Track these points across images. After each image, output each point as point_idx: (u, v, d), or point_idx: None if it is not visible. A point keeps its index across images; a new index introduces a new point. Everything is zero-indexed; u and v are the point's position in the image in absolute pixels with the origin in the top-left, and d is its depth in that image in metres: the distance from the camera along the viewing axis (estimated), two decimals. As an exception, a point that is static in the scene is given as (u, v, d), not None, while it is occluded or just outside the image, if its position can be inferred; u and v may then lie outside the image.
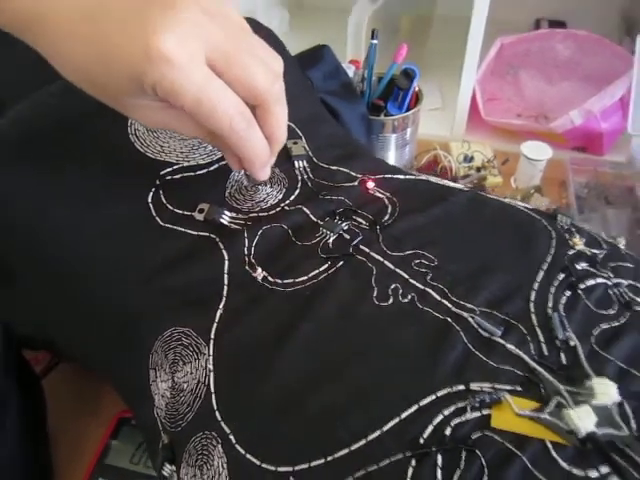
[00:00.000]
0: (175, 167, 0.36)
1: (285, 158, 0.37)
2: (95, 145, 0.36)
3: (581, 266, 0.29)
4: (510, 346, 0.25)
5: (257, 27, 0.47)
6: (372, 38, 0.64)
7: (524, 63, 0.83)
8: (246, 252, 0.31)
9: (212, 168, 0.36)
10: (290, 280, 0.30)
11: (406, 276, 0.29)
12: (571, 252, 0.30)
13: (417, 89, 0.66)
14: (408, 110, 0.64)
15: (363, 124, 0.60)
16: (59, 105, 0.37)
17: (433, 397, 0.24)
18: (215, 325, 0.29)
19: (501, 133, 0.78)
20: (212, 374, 0.27)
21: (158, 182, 0.35)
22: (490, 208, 0.33)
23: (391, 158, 0.68)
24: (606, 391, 0.22)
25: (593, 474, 0.21)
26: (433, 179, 0.36)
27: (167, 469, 0.28)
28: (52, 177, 0.34)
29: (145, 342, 0.31)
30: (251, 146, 0.28)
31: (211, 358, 0.28)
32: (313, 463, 0.23)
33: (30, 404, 0.44)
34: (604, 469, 0.21)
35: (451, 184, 0.36)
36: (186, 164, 0.36)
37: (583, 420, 0.21)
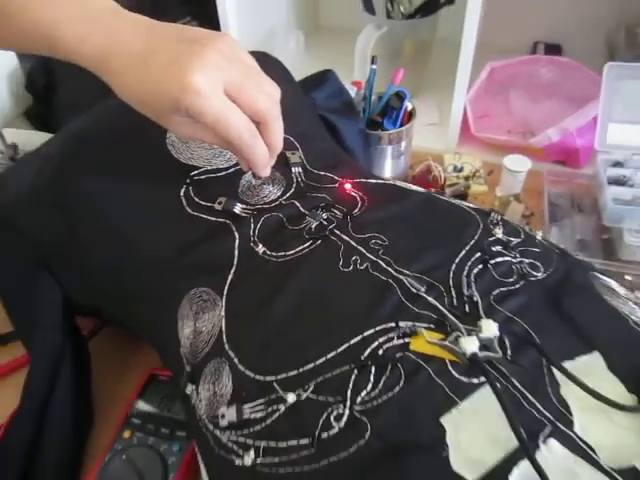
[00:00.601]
0: (201, 170, 0.47)
1: (284, 164, 0.48)
2: (142, 151, 0.47)
3: (495, 248, 0.39)
4: (430, 299, 0.36)
5: (267, 59, 0.58)
6: (372, 64, 0.74)
7: (513, 85, 0.92)
8: (251, 233, 0.42)
9: (229, 171, 0.48)
10: (282, 253, 0.40)
11: (364, 251, 0.39)
12: (491, 239, 0.40)
13: (411, 107, 0.76)
14: (402, 126, 0.75)
15: (361, 137, 0.70)
16: (115, 119, 0.49)
17: (372, 330, 0.34)
18: (227, 285, 0.39)
19: (489, 147, 0.87)
20: (224, 319, 0.38)
21: (188, 181, 0.46)
22: (437, 206, 0.44)
23: (387, 167, 0.78)
24: (489, 328, 0.32)
25: (474, 381, 0.31)
26: (399, 183, 0.47)
27: (189, 388, 0.38)
28: (110, 172, 0.46)
29: (174, 300, 0.42)
30: (256, 152, 0.39)
31: (223, 308, 0.39)
32: (290, 373, 0.33)
33: (79, 360, 0.55)
34: (482, 378, 0.31)
35: (413, 187, 0.47)
36: (209, 167, 0.47)
37: (470, 345, 0.31)
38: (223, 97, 0.37)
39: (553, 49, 1.06)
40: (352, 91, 0.75)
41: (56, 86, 0.68)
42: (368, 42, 0.86)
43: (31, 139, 0.66)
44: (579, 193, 0.77)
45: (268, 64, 0.48)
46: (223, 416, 0.34)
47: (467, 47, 0.79)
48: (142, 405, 0.54)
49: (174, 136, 0.48)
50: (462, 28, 0.77)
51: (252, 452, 0.32)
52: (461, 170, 0.82)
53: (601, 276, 0.40)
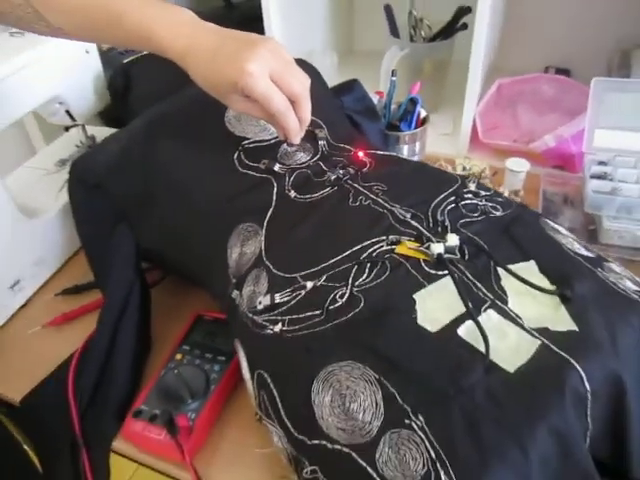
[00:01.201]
0: (250, 140, 0.62)
1: (313, 139, 0.62)
2: (206, 127, 0.62)
3: (467, 195, 0.51)
4: (413, 222, 0.48)
5: (305, 64, 0.73)
6: (392, 76, 0.88)
7: (520, 99, 1.04)
8: (286, 184, 0.56)
9: (271, 142, 0.62)
10: (308, 196, 0.54)
11: (368, 193, 0.53)
12: (464, 189, 0.53)
13: (424, 114, 0.89)
14: (416, 129, 0.88)
15: (381, 137, 0.83)
16: (185, 105, 0.64)
17: (369, 242, 0.47)
18: (267, 219, 0.53)
19: (495, 153, 0.99)
20: (263, 242, 0.51)
21: (240, 148, 0.61)
22: (427, 168, 0.57)
23: (404, 165, 0.90)
24: (452, 239, 0.44)
25: (439, 273, 0.44)
26: (401, 156, 0.60)
27: (234, 293, 0.51)
28: (182, 142, 0.61)
29: (225, 234, 0.56)
30: (290, 123, 0.53)
31: (263, 236, 0.52)
32: (309, 270, 0.47)
33: (144, 296, 0.68)
34: (445, 271, 0.44)
35: (404, 153, 0.60)
36: (257, 138, 0.62)
37: (437, 248, 0.43)
38: (268, 81, 0.51)
39: (562, 72, 1.18)
40: (375, 99, 0.89)
41: (132, 86, 0.84)
42: (392, 60, 1.00)
43: (105, 133, 0.82)
44: (571, 192, 0.88)
45: (305, 69, 0.63)
46: (260, 303, 0.47)
47: (475, 66, 0.92)
48: (191, 336, 0.67)
49: (230, 115, 0.63)
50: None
51: (280, 324, 0.45)
52: (469, 170, 0.94)
53: (550, 221, 0.52)
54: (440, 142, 1.03)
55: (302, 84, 0.53)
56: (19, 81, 0.72)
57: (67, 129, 0.91)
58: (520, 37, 1.19)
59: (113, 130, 0.86)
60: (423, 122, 0.89)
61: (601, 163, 0.82)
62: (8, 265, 0.74)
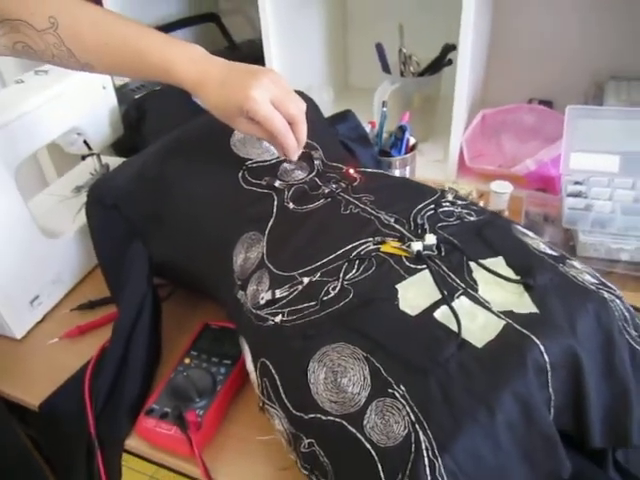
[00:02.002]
0: (253, 160, 0.69)
1: (309, 159, 0.69)
2: (213, 150, 0.69)
3: (445, 204, 0.58)
4: (397, 226, 0.55)
5: (302, 95, 0.80)
6: (383, 107, 0.96)
7: (503, 128, 1.12)
8: (285, 197, 0.63)
9: (272, 162, 0.69)
10: (305, 207, 0.61)
11: (357, 202, 0.59)
12: (443, 199, 0.59)
13: (413, 142, 0.97)
14: (406, 154, 0.95)
15: (373, 162, 0.90)
16: (195, 132, 0.72)
17: (358, 242, 0.53)
18: (268, 228, 0.59)
19: (481, 178, 1.06)
20: (265, 247, 0.58)
21: (244, 167, 0.68)
22: (410, 183, 0.64)
23: (395, 188, 0.97)
24: (430, 239, 0.50)
25: (419, 267, 0.50)
26: (388, 173, 0.67)
27: (240, 293, 0.57)
28: (192, 164, 0.68)
29: (231, 244, 0.62)
30: (289, 141, 0.61)
31: (265, 242, 0.58)
32: (305, 268, 0.53)
33: (155, 310, 0.74)
34: (423, 266, 0.50)
35: (396, 173, 0.67)
36: (259, 159, 0.69)
37: (416, 246, 0.50)
38: (270, 105, 0.59)
39: (545, 104, 1.26)
40: (368, 128, 0.97)
41: (146, 119, 0.92)
42: (384, 93, 1.08)
43: (118, 162, 0.89)
44: (552, 212, 0.94)
45: (303, 98, 0.71)
46: (262, 298, 0.53)
47: (460, 98, 1.00)
48: (198, 343, 0.72)
49: (235, 139, 0.70)
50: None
51: (280, 316, 0.51)
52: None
53: (519, 227, 0.58)
54: (431, 168, 1.11)
55: (299, 108, 0.61)
56: (44, 113, 0.80)
57: (83, 158, 0.98)
58: (505, 72, 1.28)
59: (124, 159, 0.94)
60: (412, 149, 0.96)
61: (577, 183, 0.88)
62: (29, 282, 0.80)
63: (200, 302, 0.81)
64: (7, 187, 0.74)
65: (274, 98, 0.59)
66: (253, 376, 0.54)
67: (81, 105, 0.87)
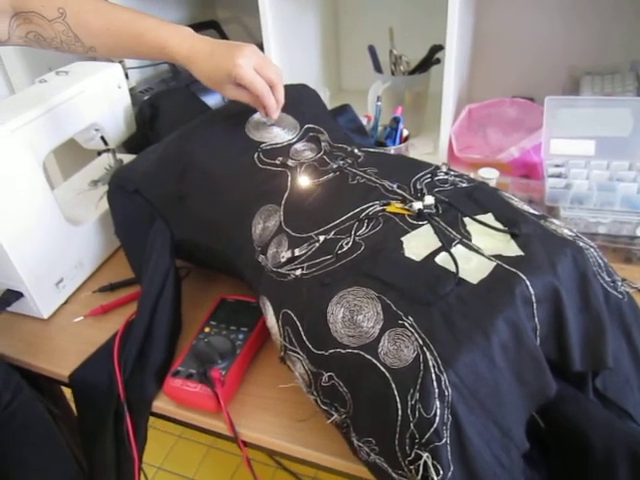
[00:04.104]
0: (267, 143, 0.76)
1: (317, 142, 0.76)
2: (230, 135, 0.76)
3: (439, 173, 0.66)
4: (399, 191, 0.62)
5: (307, 88, 0.88)
6: (377, 101, 1.04)
7: (488, 122, 1.20)
8: (298, 173, 0.70)
9: (284, 144, 0.76)
10: (317, 180, 0.68)
11: (363, 174, 0.66)
12: (437, 170, 0.67)
13: (406, 134, 1.05)
14: (400, 144, 1.03)
15: (370, 150, 0.98)
16: (213, 118, 0.79)
17: (366, 205, 0.60)
18: (284, 200, 0.66)
19: (470, 167, 1.13)
20: (282, 216, 0.64)
21: (259, 149, 0.75)
22: (408, 158, 0.72)
23: (391, 176, 1.05)
24: (429, 199, 0.58)
25: (420, 223, 0.57)
26: (390, 152, 0.75)
27: (260, 257, 0.64)
28: (211, 148, 0.75)
29: (249, 216, 0.69)
30: (270, 101, 0.71)
31: (282, 212, 0.65)
32: (321, 229, 0.60)
33: (176, 285, 0.80)
34: (424, 222, 0.57)
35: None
36: (272, 142, 0.76)
37: (417, 205, 0.57)
38: (253, 71, 0.69)
39: (527, 100, 1.35)
40: (364, 120, 1.04)
41: (159, 115, 0.99)
42: (377, 91, 1.16)
43: (130, 158, 0.96)
44: (536, 196, 1.02)
45: (307, 91, 0.79)
46: (283, 257, 0.60)
47: (447, 94, 1.08)
48: (216, 314, 0.78)
49: (250, 125, 0.77)
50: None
51: (299, 270, 0.58)
52: (448, 181, 1.09)
53: (505, 193, 0.66)
54: (422, 160, 1.18)
55: (277, 74, 0.73)
56: (68, 109, 0.86)
57: (99, 153, 1.05)
58: (488, 71, 1.37)
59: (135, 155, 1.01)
60: (406, 139, 1.04)
61: (557, 166, 0.97)
62: (54, 265, 0.86)
63: (215, 281, 0.87)
64: (37, 177, 0.81)
65: (256, 65, 0.70)
66: (275, 329, 0.61)
67: (99, 103, 0.94)
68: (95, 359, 0.77)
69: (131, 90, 1.15)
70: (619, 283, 0.58)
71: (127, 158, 1.07)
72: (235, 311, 0.79)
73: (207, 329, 0.76)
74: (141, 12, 0.73)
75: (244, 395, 0.71)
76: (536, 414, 0.53)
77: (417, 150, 1.21)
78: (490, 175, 1.01)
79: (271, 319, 0.61)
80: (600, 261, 0.57)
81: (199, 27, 1.42)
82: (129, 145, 1.13)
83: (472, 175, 0.69)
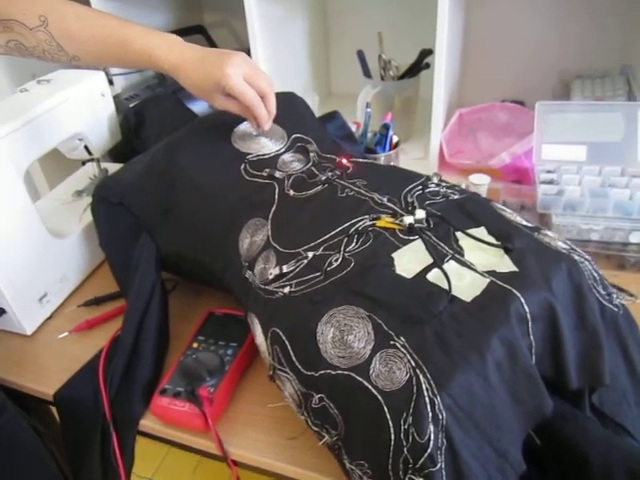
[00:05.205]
0: (253, 154, 0.74)
1: (306, 152, 0.74)
2: (216, 146, 0.75)
3: (431, 185, 0.64)
4: (389, 204, 0.61)
5: (294, 96, 0.86)
6: (367, 108, 1.03)
7: (479, 127, 1.19)
8: (285, 185, 0.68)
9: (271, 155, 0.74)
10: (304, 193, 0.66)
11: (352, 186, 0.65)
12: (429, 182, 0.65)
13: (396, 140, 1.03)
14: (390, 151, 1.01)
15: (360, 158, 0.97)
16: (199, 129, 0.77)
17: (355, 220, 0.59)
18: (271, 214, 0.65)
19: (461, 172, 1.12)
20: (269, 230, 0.63)
21: (246, 160, 0.73)
22: (398, 168, 0.70)
23: (381, 183, 1.03)
24: (420, 213, 0.56)
25: (411, 238, 0.56)
26: (377, 162, 0.73)
27: (248, 273, 0.63)
28: (198, 159, 0.73)
29: (236, 230, 0.67)
30: (261, 111, 0.69)
31: (270, 226, 0.63)
32: (310, 244, 0.58)
33: (163, 300, 0.78)
34: (415, 237, 0.56)
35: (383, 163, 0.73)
36: (259, 153, 0.74)
37: (408, 220, 0.55)
38: (243, 81, 0.67)
39: (517, 104, 1.34)
40: (353, 127, 1.03)
41: (145, 124, 0.97)
42: (367, 96, 1.14)
43: (116, 168, 0.94)
44: (528, 201, 1.01)
45: (295, 99, 0.77)
46: (271, 274, 0.58)
47: (438, 99, 1.07)
48: (205, 329, 0.77)
49: (236, 136, 0.75)
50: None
51: (288, 287, 0.56)
52: (439, 187, 1.07)
53: (497, 204, 0.64)
54: (413, 165, 1.15)
55: (268, 83, 0.70)
56: (50, 119, 0.84)
57: (84, 163, 1.03)
58: (478, 75, 1.36)
59: (121, 165, 0.99)
60: (396, 146, 1.03)
61: (549, 172, 0.96)
62: (37, 280, 0.84)
63: (202, 294, 0.86)
64: (17, 189, 0.79)
65: (246, 74, 0.68)
66: (263, 347, 0.59)
67: (83, 112, 0.91)
68: (80, 377, 0.75)
69: (116, 97, 1.13)
70: (614, 295, 0.57)
71: (113, 167, 1.05)
72: (224, 325, 0.77)
73: (195, 344, 0.75)
74: (127, 20, 0.71)
75: (234, 412, 0.69)
76: (532, 431, 0.52)
77: (407, 156, 1.20)
78: (481, 181, 1.00)
79: (259, 337, 0.60)
80: (595, 274, 0.56)
81: (185, 32, 1.41)
82: (115, 153, 1.11)
83: (464, 184, 0.67)
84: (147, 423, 0.70)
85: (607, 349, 0.53)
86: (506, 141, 1.15)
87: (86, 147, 0.96)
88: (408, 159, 1.18)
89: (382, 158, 0.99)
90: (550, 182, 0.93)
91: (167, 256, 0.77)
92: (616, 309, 0.56)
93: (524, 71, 1.31)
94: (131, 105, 1.10)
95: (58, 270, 0.88)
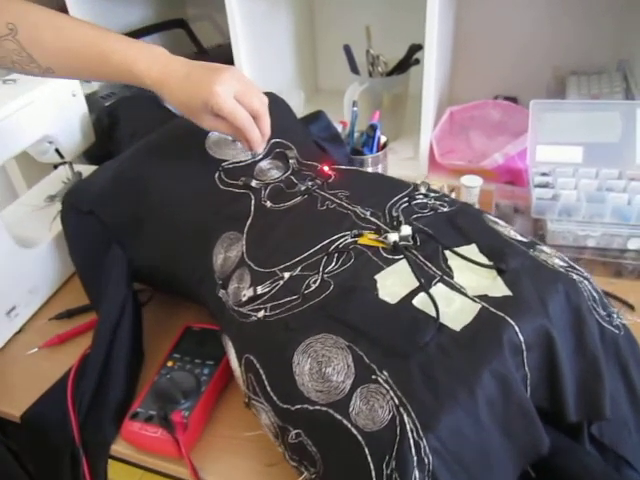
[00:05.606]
0: (229, 161, 0.69)
1: (285, 159, 0.69)
2: (189, 152, 0.70)
3: (418, 196, 0.60)
4: (372, 219, 0.56)
5: (274, 96, 0.81)
6: (353, 107, 0.98)
7: (471, 125, 1.14)
8: (262, 196, 0.63)
9: (248, 162, 0.70)
10: (282, 205, 0.62)
11: (333, 198, 0.60)
12: (416, 192, 0.61)
13: (384, 140, 0.99)
14: (377, 152, 0.97)
15: (345, 160, 0.92)
16: (171, 134, 0.72)
17: (336, 236, 0.55)
18: (247, 227, 0.60)
19: (452, 173, 1.08)
20: (244, 246, 0.58)
21: (220, 169, 0.68)
22: (383, 177, 0.66)
23: (369, 186, 0.99)
24: (406, 229, 0.52)
25: (396, 257, 0.51)
26: (362, 169, 0.69)
27: (221, 292, 0.58)
28: (168, 167, 0.68)
29: (210, 244, 0.62)
30: (253, 134, 0.63)
31: (244, 241, 0.59)
32: (286, 264, 0.54)
33: (136, 314, 0.74)
34: (400, 256, 0.51)
35: (369, 170, 0.68)
36: (234, 160, 0.69)
37: (393, 237, 0.51)
38: (233, 100, 0.61)
39: (510, 100, 1.29)
40: (339, 127, 0.98)
41: (119, 125, 0.92)
42: (353, 94, 1.10)
43: (91, 170, 0.89)
44: (521, 203, 0.97)
45: (275, 99, 0.72)
46: (244, 295, 0.54)
47: (427, 96, 1.03)
48: (181, 345, 0.72)
49: (210, 141, 0.71)
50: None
51: (262, 311, 0.52)
52: (429, 189, 1.03)
53: (490, 216, 0.60)
54: (402, 166, 1.13)
55: (262, 102, 0.64)
56: (15, 122, 0.79)
57: (56, 167, 0.98)
58: (470, 70, 1.32)
59: (97, 167, 0.94)
60: (384, 147, 0.98)
61: (543, 174, 0.91)
62: (5, 292, 0.79)
63: (180, 305, 0.81)
64: (-21, 197, 0.74)
65: (237, 93, 0.61)
66: (238, 373, 0.55)
67: (51, 113, 0.86)
68: (49, 397, 0.71)
69: (92, 95, 1.08)
70: (615, 316, 0.53)
71: (88, 170, 1.00)
72: (200, 342, 0.73)
73: (170, 363, 0.71)
74: (108, 30, 0.65)
75: (211, 436, 0.65)
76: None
77: (397, 155, 1.16)
78: (473, 183, 0.96)
79: (234, 361, 0.55)
80: (595, 293, 0.52)
81: (166, 26, 1.36)
82: (90, 155, 1.06)
83: (453, 194, 0.63)
84: (119, 448, 0.66)
85: (607, 375, 0.49)
86: (499, 140, 1.11)
87: (57, 150, 0.91)
88: (397, 159, 1.14)
89: (369, 160, 0.95)
90: (545, 185, 0.88)
91: (140, 268, 0.73)
92: (617, 331, 0.52)
93: (517, 66, 1.26)
94: (107, 104, 1.05)
95: (27, 281, 0.83)
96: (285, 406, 0.48)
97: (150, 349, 0.76)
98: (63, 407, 0.67)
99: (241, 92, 0.61)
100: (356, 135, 0.99)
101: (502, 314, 0.46)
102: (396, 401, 0.42)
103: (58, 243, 0.86)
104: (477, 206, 0.96)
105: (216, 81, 0.60)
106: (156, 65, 0.62)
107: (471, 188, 0.97)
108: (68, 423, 0.66)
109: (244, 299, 0.54)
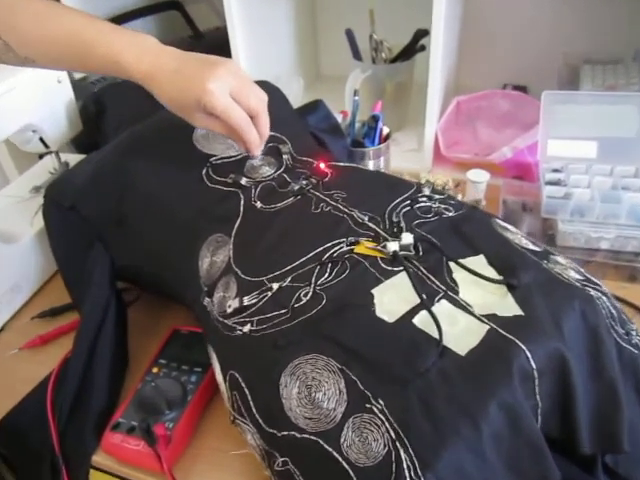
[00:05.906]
0: (218, 157, 0.65)
1: (278, 154, 0.65)
2: (175, 146, 0.65)
3: (421, 199, 0.55)
4: (371, 224, 0.52)
5: (268, 85, 0.76)
6: (354, 96, 0.93)
7: (478, 116, 1.09)
8: (252, 195, 0.59)
9: (238, 157, 0.65)
10: (273, 206, 0.57)
11: (329, 200, 0.56)
12: (419, 194, 0.56)
13: (387, 131, 0.94)
14: (379, 145, 0.92)
15: (345, 153, 0.87)
16: (156, 127, 0.67)
17: (330, 244, 0.50)
18: (235, 230, 0.56)
19: (458, 166, 1.03)
20: (232, 251, 0.54)
21: (208, 164, 0.64)
22: (384, 176, 0.61)
23: (370, 179, 0.94)
24: (407, 237, 0.47)
25: (395, 269, 0.47)
26: (360, 166, 0.64)
27: (206, 300, 0.54)
28: (153, 161, 0.63)
29: (196, 246, 0.58)
30: (250, 136, 0.57)
31: (232, 245, 0.54)
32: (275, 273, 0.49)
33: (120, 315, 0.70)
34: (400, 267, 0.47)
35: (369, 168, 0.63)
36: (224, 155, 0.65)
37: (393, 246, 0.47)
38: (228, 98, 0.55)
39: (519, 89, 1.24)
40: (339, 118, 0.93)
41: (105, 113, 0.87)
42: (355, 81, 1.04)
43: (78, 160, 0.84)
44: (530, 200, 0.92)
45: (269, 89, 0.67)
46: (230, 306, 0.49)
47: (434, 84, 0.98)
48: (167, 350, 0.69)
49: (198, 134, 0.66)
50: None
51: (248, 325, 0.47)
52: (433, 183, 0.98)
53: (499, 221, 0.55)
54: (406, 158, 1.08)
55: (260, 99, 0.58)
56: (-7, 110, 0.74)
57: (41, 157, 0.93)
58: (478, 57, 1.26)
59: (85, 156, 0.89)
60: (386, 138, 0.93)
61: (555, 170, 0.86)
62: (-16, 290, 0.75)
63: (168, 306, 0.77)
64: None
65: (233, 90, 0.55)
66: (223, 388, 0.51)
67: (35, 101, 0.82)
68: (28, 403, 0.68)
69: (81, 80, 1.03)
70: (633, 333, 0.48)
71: (75, 159, 0.95)
72: (188, 346, 0.69)
73: (155, 369, 0.67)
74: (94, 17, 0.59)
75: (196, 449, 0.62)
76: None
77: (400, 147, 1.11)
78: (480, 178, 0.91)
79: (218, 375, 0.51)
80: (613, 310, 0.47)
81: (159, 8, 1.30)
82: (78, 143, 1.01)
83: (459, 194, 0.58)
84: (100, 460, 0.63)
85: (625, 400, 0.44)
86: (507, 132, 1.06)
87: (41, 139, 0.86)
88: (400, 151, 1.09)
89: (370, 152, 0.90)
90: (556, 183, 0.84)
91: (124, 267, 0.68)
92: (636, 350, 0.47)
93: (527, 53, 1.20)
94: (95, 90, 1.00)
95: (9, 278, 0.79)
96: (271, 431, 0.44)
97: (135, 353, 0.72)
98: (43, 414, 0.63)
99: (237, 89, 0.56)
100: (357, 126, 0.94)
101: (512, 337, 0.42)
102: (392, 434, 0.38)
103: (41, 238, 0.82)
104: (483, 202, 0.92)
105: (210, 77, 0.54)
106: (146, 57, 0.57)
107: (477, 183, 0.92)
108: (48, 430, 0.62)
109: (229, 310, 0.49)
